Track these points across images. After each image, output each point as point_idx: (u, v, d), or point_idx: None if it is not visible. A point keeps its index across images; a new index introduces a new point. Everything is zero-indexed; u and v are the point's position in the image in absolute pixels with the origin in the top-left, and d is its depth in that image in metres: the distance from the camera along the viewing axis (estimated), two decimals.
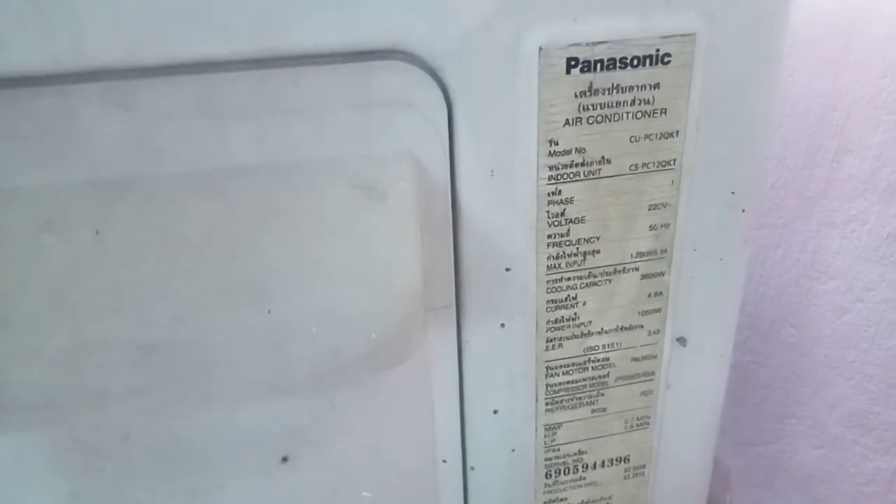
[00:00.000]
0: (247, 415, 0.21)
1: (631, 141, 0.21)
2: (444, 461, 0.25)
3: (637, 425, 0.26)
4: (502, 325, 0.23)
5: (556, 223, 0.22)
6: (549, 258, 0.22)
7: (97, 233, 0.17)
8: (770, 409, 0.43)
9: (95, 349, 0.17)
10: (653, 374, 0.25)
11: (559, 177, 0.21)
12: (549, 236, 0.22)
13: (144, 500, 0.22)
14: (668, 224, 0.23)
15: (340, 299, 0.18)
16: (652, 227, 0.23)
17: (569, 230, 0.22)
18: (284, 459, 0.22)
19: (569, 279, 0.23)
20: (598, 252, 0.23)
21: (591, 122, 0.21)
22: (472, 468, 0.26)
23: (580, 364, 0.25)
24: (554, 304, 0.23)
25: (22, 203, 0.17)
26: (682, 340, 0.25)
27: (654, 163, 0.22)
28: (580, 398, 0.25)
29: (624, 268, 0.23)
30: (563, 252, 0.22)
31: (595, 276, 0.23)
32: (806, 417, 0.41)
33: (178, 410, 0.18)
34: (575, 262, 0.23)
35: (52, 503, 0.22)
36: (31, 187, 0.17)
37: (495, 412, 0.25)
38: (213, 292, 0.18)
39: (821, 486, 0.40)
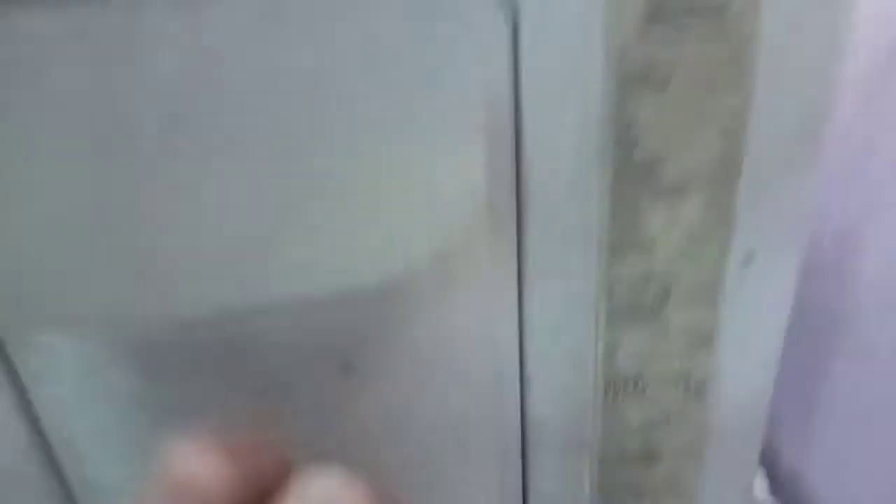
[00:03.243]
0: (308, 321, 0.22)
1: (700, 53, 0.20)
2: (503, 374, 0.26)
3: (699, 343, 0.26)
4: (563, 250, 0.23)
5: (622, 136, 0.21)
6: (614, 171, 0.22)
7: None
8: (822, 346, 0.42)
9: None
10: (717, 290, 0.25)
11: (626, 88, 0.20)
12: (615, 149, 0.22)
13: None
14: (738, 134, 0.22)
15: (405, 207, 0.18)
16: (721, 136, 0.22)
17: (636, 141, 0.21)
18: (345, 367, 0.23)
19: (633, 192, 0.22)
20: (664, 164, 0.22)
21: (660, 34, 0.20)
22: (530, 381, 0.26)
23: (643, 280, 0.24)
24: (617, 219, 0.23)
25: None
26: (748, 256, 0.25)
27: (724, 75, 0.21)
28: (642, 315, 0.25)
29: (691, 180, 0.22)
30: (629, 164, 0.22)
31: (660, 190, 0.22)
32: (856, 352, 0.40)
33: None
34: (640, 175, 0.22)
35: (120, 407, 0.22)
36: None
37: (555, 328, 0.25)
38: (282, 188, 0.18)
39: (878, 422, 0.40)
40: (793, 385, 0.44)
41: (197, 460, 0.16)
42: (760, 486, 0.44)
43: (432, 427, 0.25)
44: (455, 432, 0.26)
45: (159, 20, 0.16)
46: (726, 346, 0.26)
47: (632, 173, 0.22)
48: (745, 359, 0.27)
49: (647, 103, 0.21)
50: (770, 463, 0.47)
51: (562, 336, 0.25)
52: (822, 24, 0.21)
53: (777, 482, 0.46)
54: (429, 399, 0.25)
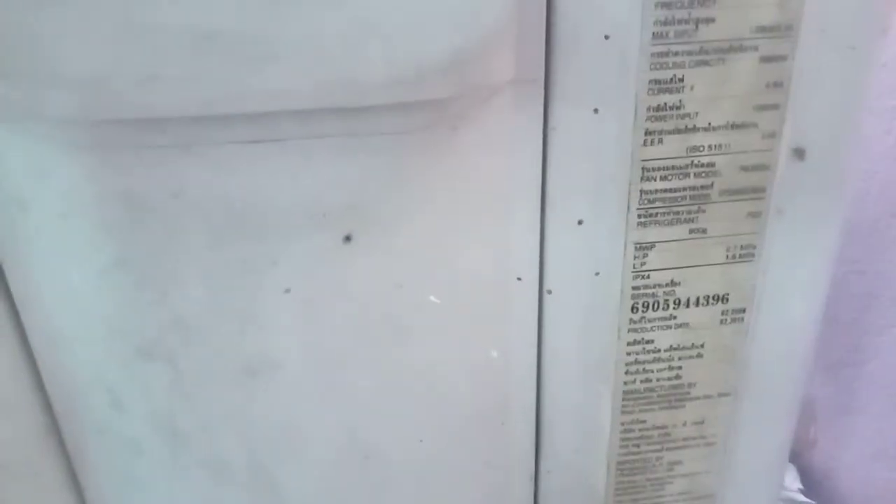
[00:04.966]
0: (310, 177, 0.19)
1: None
2: (519, 279, 0.23)
3: (740, 256, 0.23)
4: (595, 110, 0.21)
5: None
6: (655, 24, 0.20)
7: None
8: (868, 322, 0.39)
9: (148, 31, 0.15)
10: (763, 190, 0.22)
11: None
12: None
13: (192, 269, 0.20)
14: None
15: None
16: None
17: None
18: (347, 238, 0.20)
19: (676, 54, 0.20)
20: (713, 21, 0.20)
21: None
22: (550, 292, 0.23)
23: (681, 168, 0.22)
24: (657, 86, 0.20)
25: None
26: (799, 152, 0.22)
27: None
28: (678, 212, 0.22)
29: (741, 44, 0.20)
30: (673, 17, 0.20)
31: (707, 53, 0.20)
32: None
33: (233, 103, 0.16)
34: (685, 33, 0.20)
35: (95, 269, 0.20)
36: None
37: (580, 223, 0.22)
38: None
39: None
40: (833, 369, 0.41)
41: None
42: (793, 482, 0.41)
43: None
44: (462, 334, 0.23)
45: None
46: (771, 262, 0.23)
47: (678, 23, 0.20)
48: (791, 280, 0.24)
49: None
50: (803, 460, 0.43)
51: (587, 232, 0.22)
52: None
53: (811, 480, 0.42)
54: (434, 293, 0.22)
